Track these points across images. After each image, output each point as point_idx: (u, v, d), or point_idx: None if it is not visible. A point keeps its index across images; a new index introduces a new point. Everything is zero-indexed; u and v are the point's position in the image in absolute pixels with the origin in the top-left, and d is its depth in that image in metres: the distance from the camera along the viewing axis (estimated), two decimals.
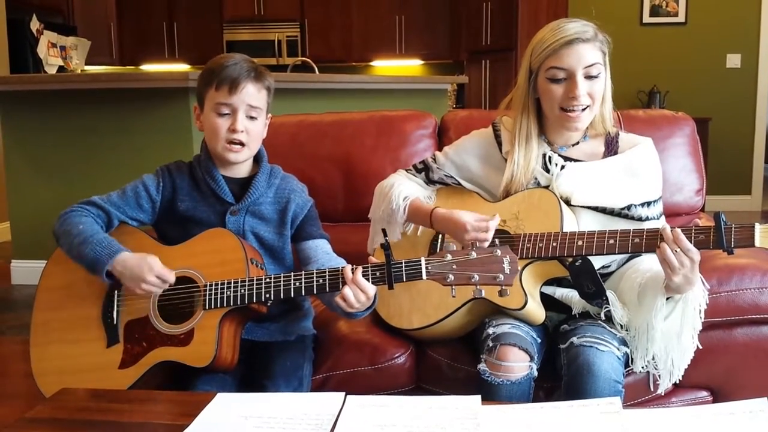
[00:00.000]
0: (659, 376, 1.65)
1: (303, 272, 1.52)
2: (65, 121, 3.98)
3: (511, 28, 6.24)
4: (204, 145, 1.73)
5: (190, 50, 7.47)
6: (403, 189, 1.84)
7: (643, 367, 1.64)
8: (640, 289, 1.60)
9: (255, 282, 1.52)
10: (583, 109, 1.68)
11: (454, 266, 1.39)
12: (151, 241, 1.66)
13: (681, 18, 6.27)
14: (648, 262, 1.67)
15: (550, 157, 1.75)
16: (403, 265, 1.43)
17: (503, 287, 1.37)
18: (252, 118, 1.65)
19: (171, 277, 1.54)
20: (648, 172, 1.74)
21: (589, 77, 1.66)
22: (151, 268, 1.52)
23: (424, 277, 1.41)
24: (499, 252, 1.37)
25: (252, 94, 1.64)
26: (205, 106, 1.67)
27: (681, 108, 2.56)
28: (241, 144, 1.64)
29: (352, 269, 1.48)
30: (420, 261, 1.42)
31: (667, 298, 1.58)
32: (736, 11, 6.15)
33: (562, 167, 1.73)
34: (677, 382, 1.73)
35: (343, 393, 1.28)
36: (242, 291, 1.52)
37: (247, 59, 1.68)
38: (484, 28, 6.53)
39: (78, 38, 5.92)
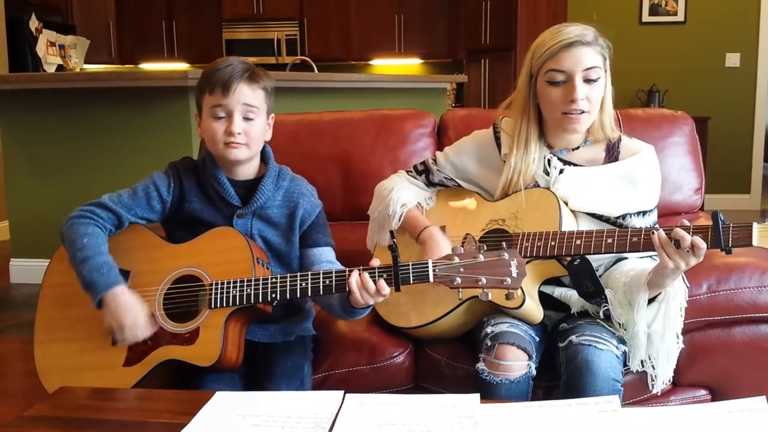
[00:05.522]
0: (655, 376, 1.66)
1: (309, 273, 1.52)
2: (64, 119, 3.97)
3: (510, 27, 6.24)
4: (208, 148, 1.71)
5: (189, 49, 7.46)
6: (402, 194, 1.84)
7: (639, 368, 1.64)
8: (625, 288, 1.61)
9: (261, 282, 1.51)
10: (581, 113, 1.66)
11: (462, 269, 1.37)
12: (157, 239, 1.66)
13: (680, 17, 6.28)
14: (632, 263, 1.68)
15: (549, 160, 1.74)
16: (411, 267, 1.42)
17: (510, 291, 1.36)
18: (249, 119, 1.62)
19: (144, 336, 1.54)
20: (646, 182, 1.72)
21: (588, 81, 1.65)
22: (134, 326, 1.52)
23: (431, 279, 1.40)
24: (506, 255, 1.36)
25: (246, 95, 1.61)
26: (203, 112, 1.65)
27: (680, 107, 2.55)
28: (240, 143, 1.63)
29: (360, 271, 1.46)
30: (427, 263, 1.40)
31: (651, 300, 1.58)
32: (735, 10, 6.15)
33: (561, 171, 1.73)
34: (674, 381, 1.73)
35: (342, 391, 1.28)
36: (248, 291, 1.51)
37: (241, 61, 1.64)
38: (483, 27, 6.53)
39: (77, 37, 5.93)
